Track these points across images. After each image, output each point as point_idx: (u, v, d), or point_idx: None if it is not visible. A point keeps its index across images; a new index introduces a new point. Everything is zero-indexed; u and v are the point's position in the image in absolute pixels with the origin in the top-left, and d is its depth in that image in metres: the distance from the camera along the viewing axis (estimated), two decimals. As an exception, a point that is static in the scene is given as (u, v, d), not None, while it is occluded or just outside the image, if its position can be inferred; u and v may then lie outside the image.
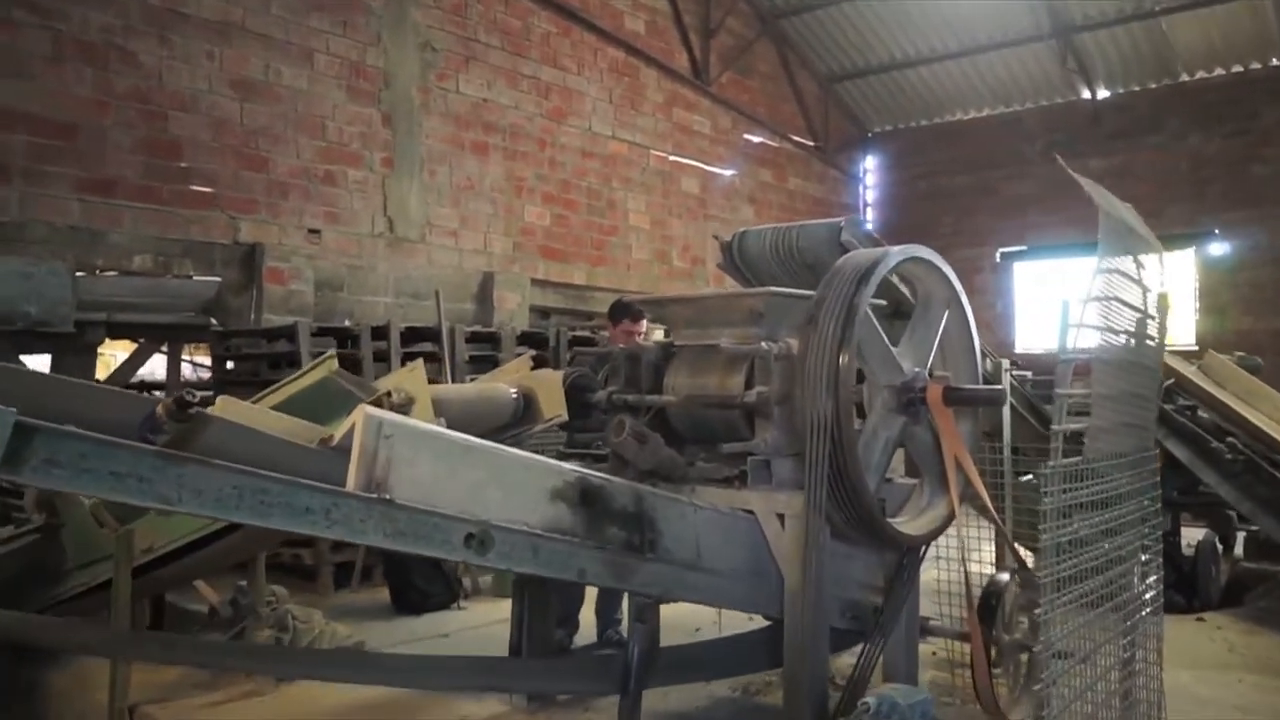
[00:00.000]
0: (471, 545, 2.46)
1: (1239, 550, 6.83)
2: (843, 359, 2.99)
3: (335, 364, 2.90)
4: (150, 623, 4.86)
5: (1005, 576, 3.77)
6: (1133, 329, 3.26)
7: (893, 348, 3.27)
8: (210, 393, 7.49)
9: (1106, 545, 3.00)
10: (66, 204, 6.81)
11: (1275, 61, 11.59)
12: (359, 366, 6.72)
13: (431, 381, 7.69)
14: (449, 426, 2.85)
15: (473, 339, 7.77)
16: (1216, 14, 11.13)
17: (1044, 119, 13.13)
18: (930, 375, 3.36)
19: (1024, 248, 13.28)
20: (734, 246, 4.19)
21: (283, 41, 7.91)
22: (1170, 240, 12.29)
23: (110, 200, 7.00)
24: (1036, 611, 2.75)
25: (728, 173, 12.19)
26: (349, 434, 2.31)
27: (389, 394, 2.83)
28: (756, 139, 12.63)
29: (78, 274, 6.65)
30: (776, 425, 3.32)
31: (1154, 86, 12.37)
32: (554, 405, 3.30)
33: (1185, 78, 12.17)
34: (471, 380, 5.34)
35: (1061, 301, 2.85)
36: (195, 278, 7.44)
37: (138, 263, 7.14)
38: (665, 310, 3.87)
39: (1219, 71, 11.96)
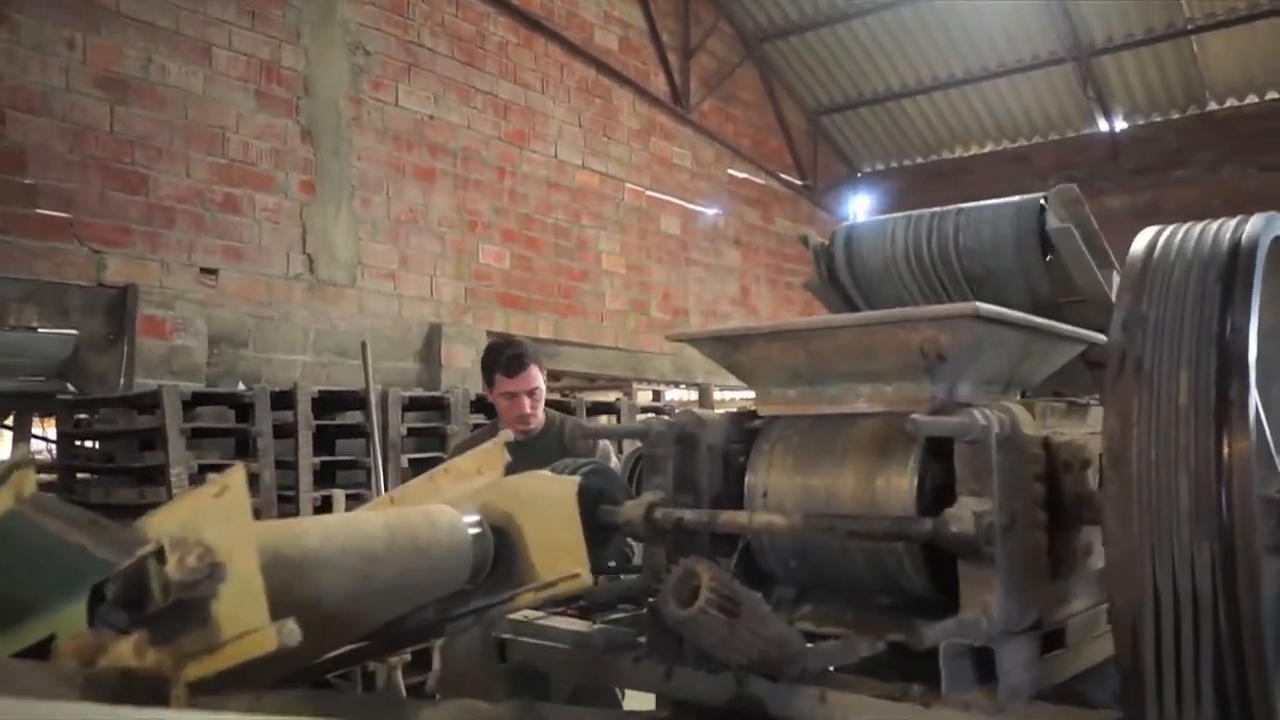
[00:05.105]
0: None
1: None
2: (1229, 447, 1.33)
3: (31, 481, 1.17)
4: None
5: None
6: None
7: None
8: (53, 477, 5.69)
9: None
10: None
11: (1318, 87, 10.47)
12: (252, 447, 4.94)
13: (349, 478, 5.79)
14: (315, 623, 1.14)
15: (413, 406, 6.03)
16: (1257, 32, 9.93)
17: (1056, 154, 11.83)
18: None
19: (1039, 296, 11.89)
20: (837, 250, 2.54)
21: (170, 31, 6.20)
22: (1205, 285, 11.06)
23: (-83, 225, 5.20)
24: None
25: (711, 211, 10.63)
26: None
27: (160, 551, 1.13)
28: (741, 175, 11.12)
29: None
30: (1002, 577, 1.67)
31: (1177, 117, 11.18)
32: (563, 551, 1.53)
33: (1214, 106, 10.97)
34: (408, 477, 3.64)
35: None
36: (42, 330, 5.61)
37: (-43, 310, 5.32)
38: (740, 353, 2.16)
39: (1252, 99, 10.78)
